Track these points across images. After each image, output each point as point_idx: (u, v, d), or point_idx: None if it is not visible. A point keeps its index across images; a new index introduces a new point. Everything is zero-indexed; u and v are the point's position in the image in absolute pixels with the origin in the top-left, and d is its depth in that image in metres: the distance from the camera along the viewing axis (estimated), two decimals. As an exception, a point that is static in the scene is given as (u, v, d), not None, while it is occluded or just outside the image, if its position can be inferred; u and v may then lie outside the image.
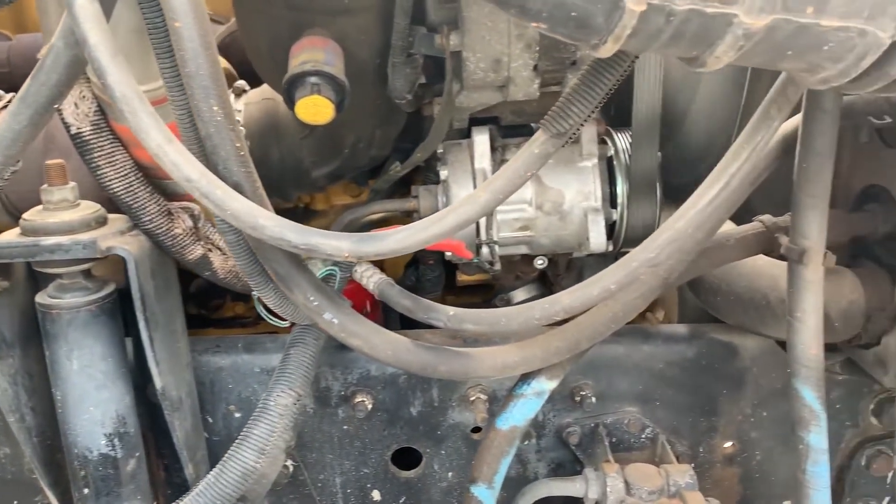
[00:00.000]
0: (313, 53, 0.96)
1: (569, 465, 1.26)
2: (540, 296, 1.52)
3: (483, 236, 1.18)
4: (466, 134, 1.22)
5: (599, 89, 0.74)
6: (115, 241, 0.96)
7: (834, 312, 1.07)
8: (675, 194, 1.15)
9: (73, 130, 0.96)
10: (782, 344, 1.12)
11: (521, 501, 1.16)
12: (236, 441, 0.96)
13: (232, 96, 1.27)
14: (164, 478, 1.24)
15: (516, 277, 1.49)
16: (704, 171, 0.81)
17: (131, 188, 0.99)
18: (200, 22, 0.73)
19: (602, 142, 1.21)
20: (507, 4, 0.56)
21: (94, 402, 1.03)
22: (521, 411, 1.01)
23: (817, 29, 0.54)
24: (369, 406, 1.20)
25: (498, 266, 1.19)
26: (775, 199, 1.03)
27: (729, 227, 1.14)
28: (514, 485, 1.23)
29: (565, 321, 0.95)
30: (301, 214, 1.49)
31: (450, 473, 1.26)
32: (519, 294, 1.51)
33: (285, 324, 1.06)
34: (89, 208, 1.01)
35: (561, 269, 1.46)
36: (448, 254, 1.21)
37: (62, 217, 0.97)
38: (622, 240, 1.22)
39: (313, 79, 0.95)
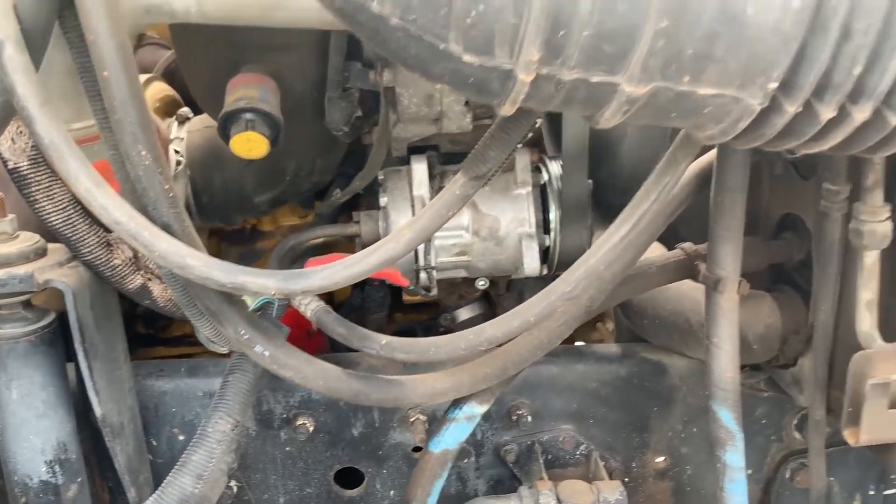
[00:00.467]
0: (248, 90, 0.99)
1: (507, 482, 1.30)
2: (483, 314, 1.57)
3: (421, 262, 1.21)
4: (408, 160, 1.26)
5: (513, 136, 0.78)
6: (53, 273, 0.98)
7: (752, 335, 1.13)
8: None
9: (11, 165, 0.98)
10: (708, 363, 1.18)
11: (459, 519, 1.20)
12: (175, 467, 0.99)
13: (175, 124, 1.29)
14: (109, 500, 1.26)
15: (459, 297, 1.53)
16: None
17: (70, 221, 1.00)
18: (128, 71, 0.75)
19: (536, 170, 1.26)
20: (412, 68, 0.60)
21: (34, 431, 1.05)
22: (453, 435, 1.05)
23: (695, 95, 0.58)
24: (311, 428, 1.22)
25: (434, 291, 1.22)
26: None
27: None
28: (455, 501, 1.27)
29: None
30: (248, 235, 1.51)
31: (392, 492, 1.29)
32: (463, 313, 1.54)
33: (226, 350, 1.09)
34: (28, 240, 1.03)
35: (501, 289, 1.50)
36: (388, 278, 1.24)
37: (0, 250, 0.99)
38: (556, 263, 1.26)
39: (248, 115, 0.98)
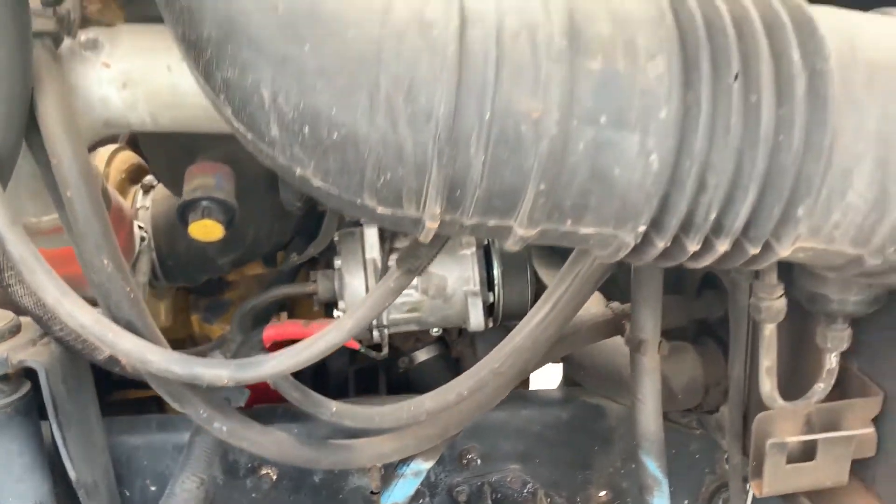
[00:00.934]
0: (205, 179, 1.08)
1: (459, 519, 1.40)
2: (440, 355, 1.66)
3: (373, 321, 1.30)
4: (361, 223, 1.34)
5: (442, 237, 0.87)
6: (27, 352, 1.06)
7: (676, 386, 1.23)
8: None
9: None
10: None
11: (414, 558, 1.30)
12: (146, 525, 1.08)
13: (140, 192, 1.37)
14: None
15: (416, 340, 1.62)
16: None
17: (40, 303, 1.08)
18: (90, 190, 0.83)
19: (480, 230, 1.35)
20: (334, 209, 0.69)
21: (12, 494, 1.13)
22: (402, 490, 1.14)
23: (578, 233, 0.68)
24: (274, 477, 1.31)
25: (385, 351, 1.31)
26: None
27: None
28: (410, 541, 1.37)
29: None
30: (215, 286, 1.59)
31: (353, 533, 1.39)
32: (420, 354, 1.63)
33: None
34: (3, 319, 1.10)
35: (454, 335, 1.60)
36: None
37: (-24, 333, 1.06)
38: (500, 316, 1.36)
39: (204, 203, 1.06)
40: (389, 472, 1.17)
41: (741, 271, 1.05)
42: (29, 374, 1.12)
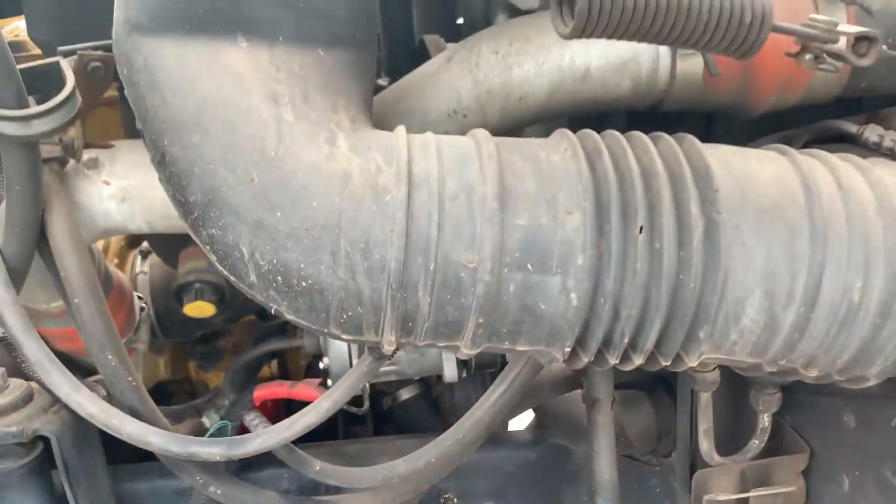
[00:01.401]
0: (197, 262, 1.19)
1: (439, 552, 1.52)
2: (421, 394, 1.78)
3: (356, 375, 1.42)
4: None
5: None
6: (40, 420, 1.17)
7: (632, 433, 1.35)
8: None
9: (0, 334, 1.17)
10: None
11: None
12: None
13: (139, 257, 1.48)
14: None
15: (399, 381, 1.74)
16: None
17: (51, 376, 1.20)
18: (94, 296, 0.95)
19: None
20: (310, 331, 0.80)
21: (29, 544, 1.25)
22: (381, 537, 1.26)
23: (516, 349, 0.79)
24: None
25: (366, 406, 1.43)
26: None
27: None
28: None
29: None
30: (210, 334, 1.70)
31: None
32: (403, 394, 1.75)
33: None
34: (17, 389, 1.21)
35: (434, 377, 1.71)
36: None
37: (-6, 403, 1.18)
38: (473, 366, 1.47)
39: (197, 285, 1.18)
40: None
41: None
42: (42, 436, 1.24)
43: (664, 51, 0.92)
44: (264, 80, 0.73)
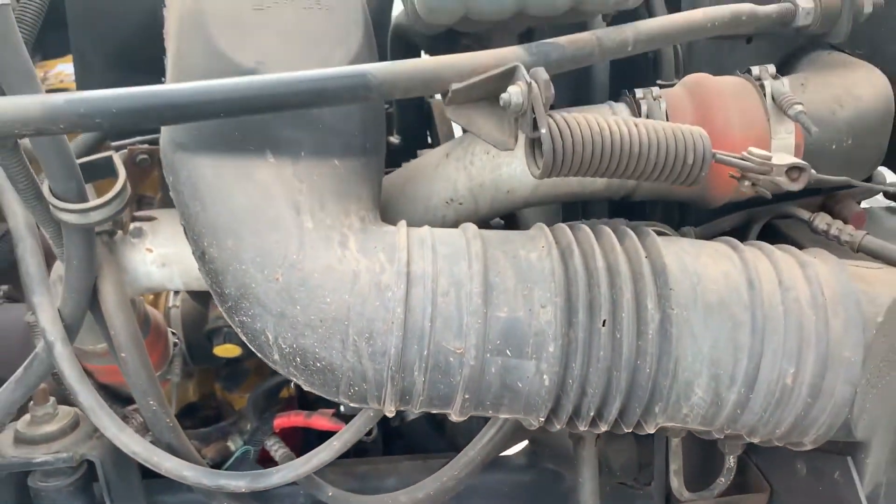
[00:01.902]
0: (226, 309, 1.33)
1: (439, 564, 1.66)
2: (427, 415, 1.92)
3: (366, 403, 1.56)
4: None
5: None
6: (86, 447, 1.33)
7: (616, 465, 1.48)
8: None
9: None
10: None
11: None
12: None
13: (171, 293, 1.63)
14: None
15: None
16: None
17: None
18: (139, 351, 1.09)
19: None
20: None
21: (74, 554, 1.41)
22: (386, 555, 1.41)
23: (499, 415, 0.93)
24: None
25: (374, 433, 1.57)
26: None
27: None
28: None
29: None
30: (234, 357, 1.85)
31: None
32: (410, 414, 1.89)
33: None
34: (66, 416, 1.37)
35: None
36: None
37: (45, 429, 1.33)
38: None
39: (226, 329, 1.32)
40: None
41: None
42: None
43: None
44: (288, 192, 0.86)
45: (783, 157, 0.82)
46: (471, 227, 0.92)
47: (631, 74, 1.00)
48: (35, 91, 0.88)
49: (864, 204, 1.23)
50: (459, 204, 1.03)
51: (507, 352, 0.86)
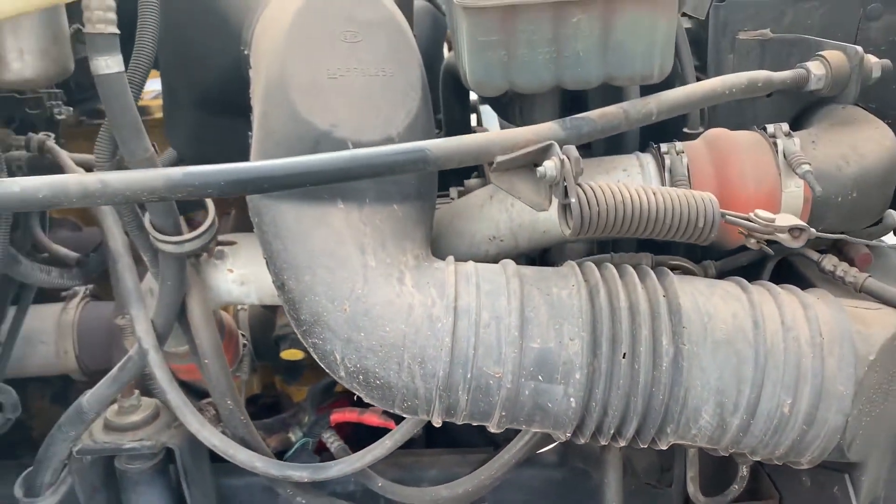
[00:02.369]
0: (291, 317, 1.49)
1: (475, 550, 1.82)
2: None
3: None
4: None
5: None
6: (166, 435, 1.51)
7: (639, 467, 1.61)
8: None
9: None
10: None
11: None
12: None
13: (240, 298, 1.80)
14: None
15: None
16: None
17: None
18: (219, 357, 1.26)
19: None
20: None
21: (152, 527, 1.60)
22: (428, 539, 1.57)
23: (532, 429, 1.07)
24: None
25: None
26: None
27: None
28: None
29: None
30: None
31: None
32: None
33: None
34: (148, 407, 1.55)
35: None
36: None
37: (131, 418, 1.51)
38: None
39: (292, 336, 1.48)
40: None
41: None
42: (165, 443, 1.58)
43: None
44: (355, 235, 1.01)
45: (786, 217, 0.94)
46: (510, 266, 1.06)
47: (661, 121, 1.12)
48: (143, 142, 1.05)
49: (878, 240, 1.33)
50: (501, 241, 1.17)
51: (539, 377, 1.00)
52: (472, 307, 1.00)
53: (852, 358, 1.02)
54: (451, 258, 1.07)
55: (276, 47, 1.02)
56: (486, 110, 1.88)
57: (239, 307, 1.78)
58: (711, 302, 1.04)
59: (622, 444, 1.06)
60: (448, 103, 1.65)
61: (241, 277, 1.29)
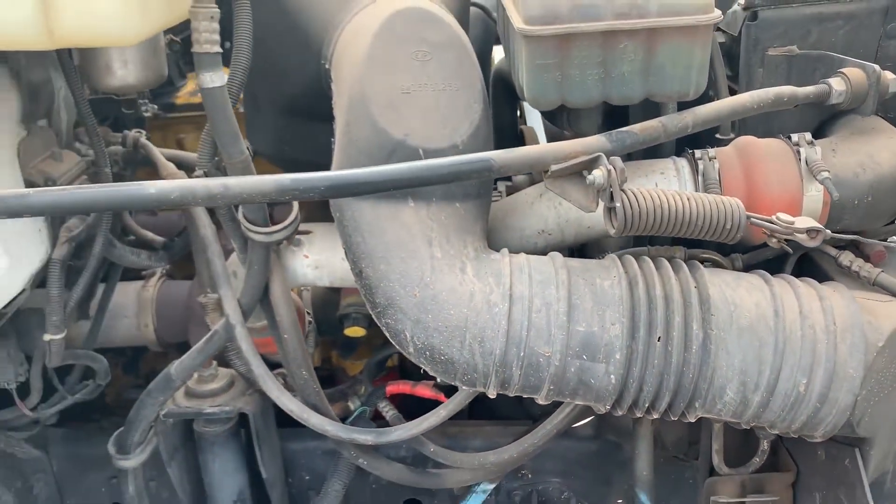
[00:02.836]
0: (354, 299, 1.66)
1: (515, 513, 1.98)
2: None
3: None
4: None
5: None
6: (241, 401, 1.68)
7: (668, 441, 1.76)
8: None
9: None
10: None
11: (481, 538, 1.90)
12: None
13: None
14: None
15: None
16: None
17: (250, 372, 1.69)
18: (297, 333, 1.42)
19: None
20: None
21: (226, 484, 1.78)
22: (475, 500, 1.73)
23: (576, 402, 1.21)
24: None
25: (466, 402, 1.88)
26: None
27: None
28: (480, 527, 1.96)
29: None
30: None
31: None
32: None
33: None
34: (224, 376, 1.72)
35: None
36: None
37: (210, 386, 1.68)
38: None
39: (354, 315, 1.64)
40: (467, 488, 1.76)
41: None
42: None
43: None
44: (424, 230, 1.16)
45: (804, 220, 1.07)
46: (559, 258, 1.21)
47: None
48: (239, 146, 1.20)
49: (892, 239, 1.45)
50: (549, 235, 1.31)
51: (584, 356, 1.14)
52: (526, 294, 1.15)
53: (862, 345, 1.15)
54: (505, 250, 1.22)
55: (357, 66, 1.17)
56: (529, 108, 2.01)
57: (303, 288, 1.95)
58: (737, 293, 1.18)
59: (655, 416, 1.21)
60: (497, 103, 1.79)
61: (315, 262, 1.44)
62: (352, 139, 1.16)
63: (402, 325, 1.16)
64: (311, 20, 1.33)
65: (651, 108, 1.23)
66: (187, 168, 1.62)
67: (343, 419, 1.87)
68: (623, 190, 1.02)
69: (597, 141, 1.06)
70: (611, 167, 1.00)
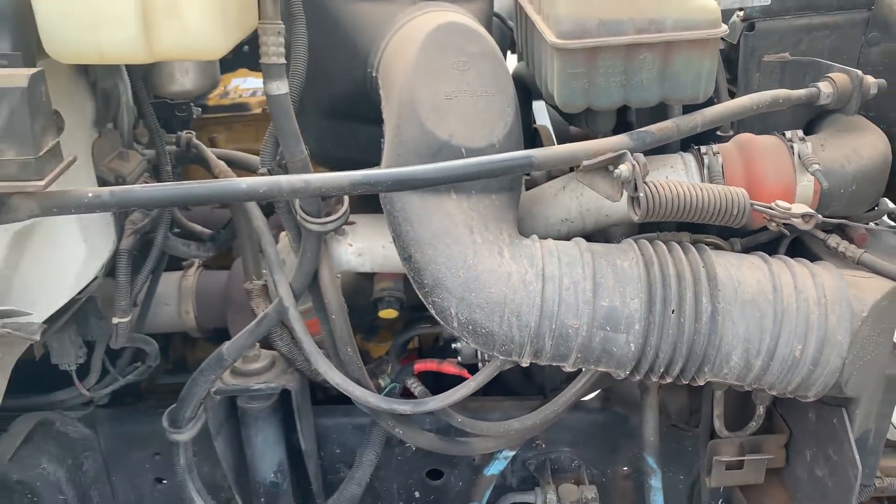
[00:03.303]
0: (388, 283, 1.81)
1: (529, 480, 2.14)
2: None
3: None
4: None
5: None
6: (284, 379, 1.83)
7: (671, 410, 1.93)
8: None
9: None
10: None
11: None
12: (343, 482, 1.87)
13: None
14: (299, 494, 2.14)
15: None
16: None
17: (293, 355, 1.83)
18: (343, 314, 1.58)
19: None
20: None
21: (267, 456, 1.93)
22: (496, 467, 1.90)
23: (598, 369, 1.38)
24: (414, 448, 2.08)
25: (487, 378, 2.04)
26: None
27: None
28: (498, 493, 2.11)
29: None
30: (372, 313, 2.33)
31: (459, 483, 2.15)
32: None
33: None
34: (266, 357, 1.87)
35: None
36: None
37: (254, 366, 1.83)
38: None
39: (388, 298, 1.80)
40: (490, 455, 1.92)
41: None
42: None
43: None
44: (465, 219, 1.32)
45: (800, 206, 1.24)
46: (583, 242, 1.37)
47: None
48: (300, 146, 1.35)
49: (873, 223, 1.63)
50: (571, 222, 1.48)
51: (607, 328, 1.31)
52: (556, 274, 1.31)
53: (849, 315, 1.32)
54: (535, 236, 1.38)
55: (405, 73, 1.33)
56: (538, 108, 2.17)
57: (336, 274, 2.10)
58: (740, 271, 1.35)
59: (669, 380, 1.38)
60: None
61: (359, 250, 1.60)
62: (402, 139, 1.31)
63: (448, 303, 1.32)
64: (358, 33, 1.48)
65: (654, 110, 1.40)
66: (232, 165, 1.76)
67: (375, 395, 2.03)
68: (645, 182, 1.18)
69: (621, 140, 1.22)
70: (635, 162, 1.17)
